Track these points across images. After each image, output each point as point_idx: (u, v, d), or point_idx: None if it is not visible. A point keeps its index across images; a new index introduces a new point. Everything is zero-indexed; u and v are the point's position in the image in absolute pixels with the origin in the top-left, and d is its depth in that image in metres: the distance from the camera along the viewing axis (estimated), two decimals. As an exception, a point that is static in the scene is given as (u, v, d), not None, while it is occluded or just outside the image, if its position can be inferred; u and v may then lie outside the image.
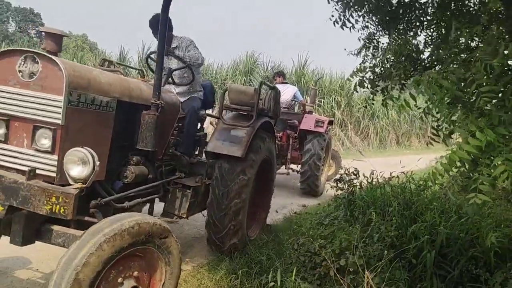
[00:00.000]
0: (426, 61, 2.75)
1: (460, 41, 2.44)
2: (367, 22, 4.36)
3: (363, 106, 13.69)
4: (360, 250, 3.68)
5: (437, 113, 2.11)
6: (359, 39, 4.48)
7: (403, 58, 2.71)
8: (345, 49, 3.50)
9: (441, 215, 4.00)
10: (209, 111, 5.07)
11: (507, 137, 1.84)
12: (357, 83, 3.20)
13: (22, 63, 2.55)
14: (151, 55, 4.49)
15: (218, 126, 4.23)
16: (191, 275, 3.71)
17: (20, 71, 2.55)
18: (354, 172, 5.28)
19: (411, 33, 3.65)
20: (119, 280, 2.24)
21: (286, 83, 8.58)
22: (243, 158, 3.90)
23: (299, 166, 8.08)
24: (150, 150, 3.25)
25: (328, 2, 4.44)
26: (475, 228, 3.67)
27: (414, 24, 3.92)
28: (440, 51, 2.66)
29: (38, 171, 2.53)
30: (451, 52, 2.42)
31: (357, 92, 3.10)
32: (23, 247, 2.54)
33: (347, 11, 4.31)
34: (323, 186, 7.97)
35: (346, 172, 5.33)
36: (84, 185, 2.43)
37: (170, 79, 4.36)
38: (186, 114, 4.19)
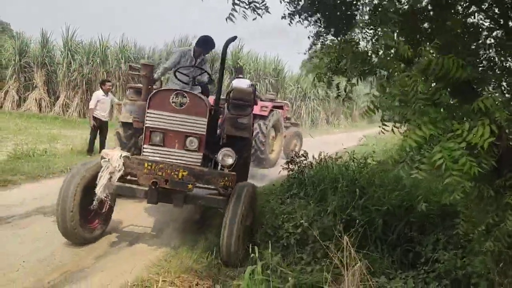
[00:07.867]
0: (374, 64, 3.25)
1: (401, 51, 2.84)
2: (316, 22, 4.81)
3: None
4: (317, 223, 4.27)
5: (385, 110, 2.66)
6: (308, 37, 4.94)
7: (359, 61, 3.19)
8: (298, 53, 3.96)
9: (381, 188, 4.67)
10: None
11: (443, 130, 2.42)
12: (315, 78, 3.69)
13: (174, 97, 4.18)
14: (178, 70, 5.42)
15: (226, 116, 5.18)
16: (171, 255, 4.04)
17: (173, 102, 4.19)
18: (304, 154, 5.83)
19: (353, 33, 4.01)
20: None
21: (242, 77, 9.59)
22: None
23: None
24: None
25: (280, 2, 4.81)
26: (411, 198, 4.35)
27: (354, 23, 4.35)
28: (383, 57, 3.17)
29: (187, 163, 4.17)
30: (392, 59, 2.95)
31: (316, 86, 3.59)
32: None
33: (298, 13, 4.73)
34: (276, 158, 9.79)
35: (296, 154, 5.88)
36: (230, 169, 4.19)
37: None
38: None
